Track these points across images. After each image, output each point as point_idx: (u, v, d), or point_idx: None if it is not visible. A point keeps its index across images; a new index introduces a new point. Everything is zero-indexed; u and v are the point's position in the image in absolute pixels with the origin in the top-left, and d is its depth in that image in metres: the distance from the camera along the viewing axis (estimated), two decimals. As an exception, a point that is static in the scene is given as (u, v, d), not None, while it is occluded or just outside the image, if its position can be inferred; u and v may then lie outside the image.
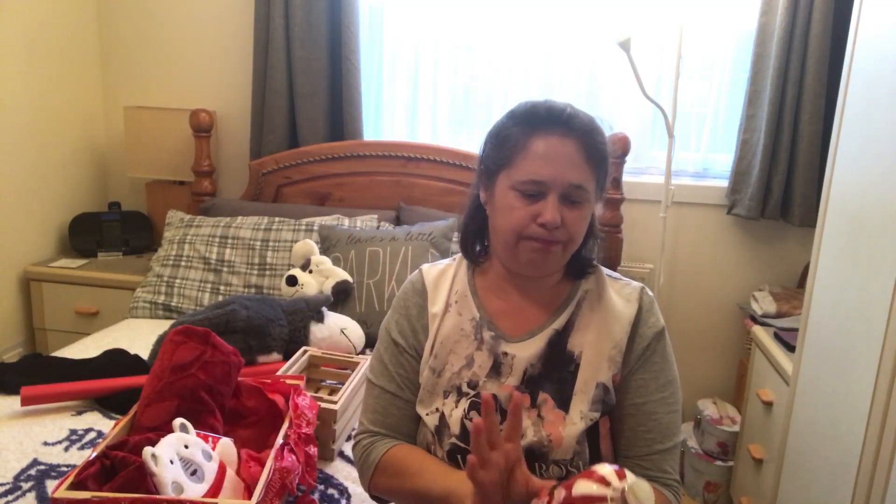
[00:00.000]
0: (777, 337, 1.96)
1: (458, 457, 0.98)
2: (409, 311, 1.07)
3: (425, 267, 1.11)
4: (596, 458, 0.98)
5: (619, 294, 1.03)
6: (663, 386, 1.00)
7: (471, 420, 0.98)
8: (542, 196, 0.92)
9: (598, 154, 0.95)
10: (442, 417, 1.00)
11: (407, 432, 1.05)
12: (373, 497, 1.07)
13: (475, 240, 1.07)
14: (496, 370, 1.00)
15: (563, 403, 0.97)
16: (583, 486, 0.70)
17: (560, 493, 0.73)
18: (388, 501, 1.05)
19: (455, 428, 0.98)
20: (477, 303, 1.04)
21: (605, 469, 0.71)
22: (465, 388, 1.00)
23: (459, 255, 1.10)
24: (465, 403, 0.99)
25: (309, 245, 2.16)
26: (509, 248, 0.97)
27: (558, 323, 1.01)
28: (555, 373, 0.99)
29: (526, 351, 0.99)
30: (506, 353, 1.00)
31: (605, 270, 1.07)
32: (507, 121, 0.98)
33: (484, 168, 1.01)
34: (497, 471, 0.80)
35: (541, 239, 0.93)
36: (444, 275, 1.08)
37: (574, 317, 1.02)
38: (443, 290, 1.06)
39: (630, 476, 0.71)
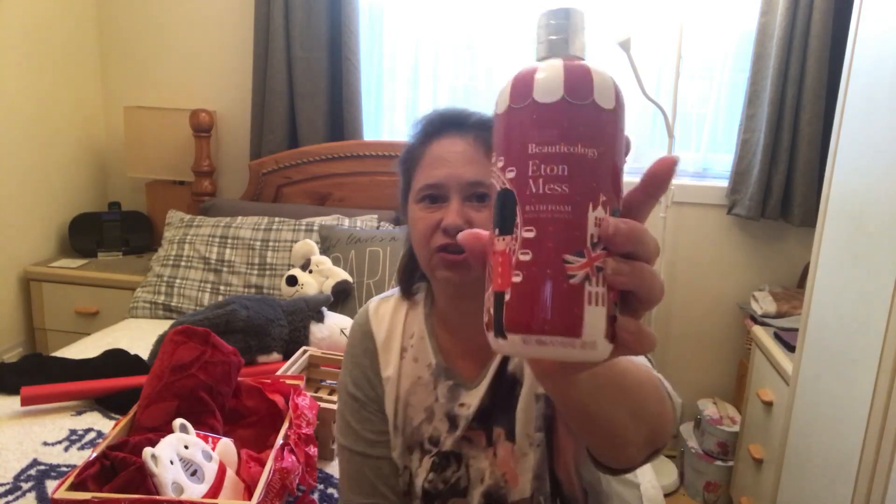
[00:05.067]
0: (777, 337, 1.96)
1: None
2: (361, 361, 0.97)
3: (373, 305, 0.99)
4: (556, 492, 0.87)
5: None
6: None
7: (431, 481, 0.90)
8: (445, 200, 0.84)
9: None
10: (410, 477, 0.93)
11: (386, 492, 0.95)
12: None
13: (413, 274, 0.97)
14: (454, 425, 0.91)
15: (512, 433, 0.87)
16: None
17: None
18: None
19: (418, 489, 0.91)
20: (434, 346, 0.93)
21: None
22: (426, 445, 0.92)
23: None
24: (427, 462, 0.91)
25: (309, 245, 2.16)
26: (427, 269, 0.87)
27: None
28: (504, 400, 0.89)
29: (479, 394, 0.89)
30: (462, 405, 0.90)
31: None
32: (409, 139, 0.91)
33: (399, 194, 0.92)
34: None
35: (450, 250, 0.82)
36: (395, 315, 0.97)
37: None
38: (394, 338, 0.96)
39: None
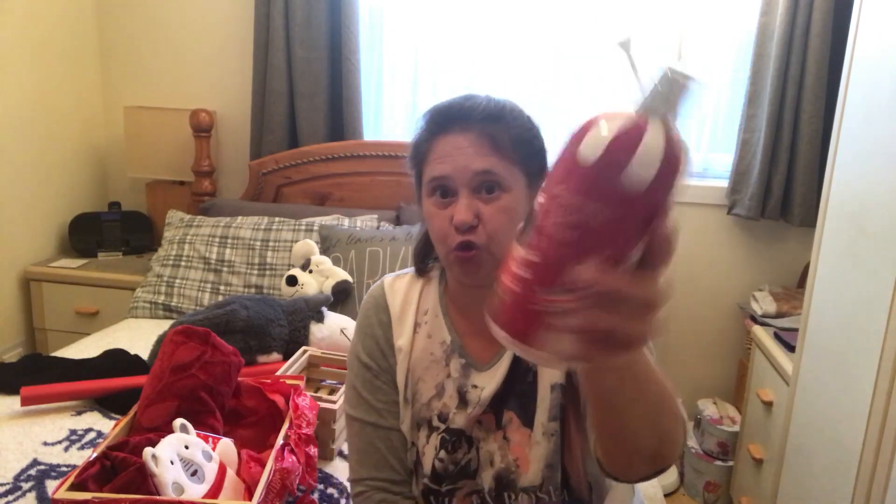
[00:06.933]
0: (777, 337, 1.96)
1: (431, 498, 0.93)
2: (374, 331, 0.98)
3: (388, 279, 1.01)
4: (565, 483, 0.90)
5: None
6: None
7: (441, 461, 0.91)
8: (455, 194, 0.85)
9: (510, 138, 0.85)
10: (417, 454, 0.94)
11: (396, 465, 0.96)
12: None
13: (427, 255, 1.00)
14: (463, 402, 0.92)
15: (528, 420, 0.89)
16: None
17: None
18: None
19: (427, 467, 0.92)
20: (448, 323, 0.95)
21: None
22: (435, 422, 0.93)
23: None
24: (436, 440, 0.92)
25: (309, 245, 2.16)
26: (445, 264, 0.91)
27: None
28: (517, 386, 0.91)
29: (493, 380, 0.91)
30: (475, 386, 0.92)
31: None
32: (415, 135, 0.92)
33: (414, 191, 0.95)
34: None
35: (461, 249, 0.84)
36: (410, 291, 0.99)
37: None
38: (409, 312, 0.97)
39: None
